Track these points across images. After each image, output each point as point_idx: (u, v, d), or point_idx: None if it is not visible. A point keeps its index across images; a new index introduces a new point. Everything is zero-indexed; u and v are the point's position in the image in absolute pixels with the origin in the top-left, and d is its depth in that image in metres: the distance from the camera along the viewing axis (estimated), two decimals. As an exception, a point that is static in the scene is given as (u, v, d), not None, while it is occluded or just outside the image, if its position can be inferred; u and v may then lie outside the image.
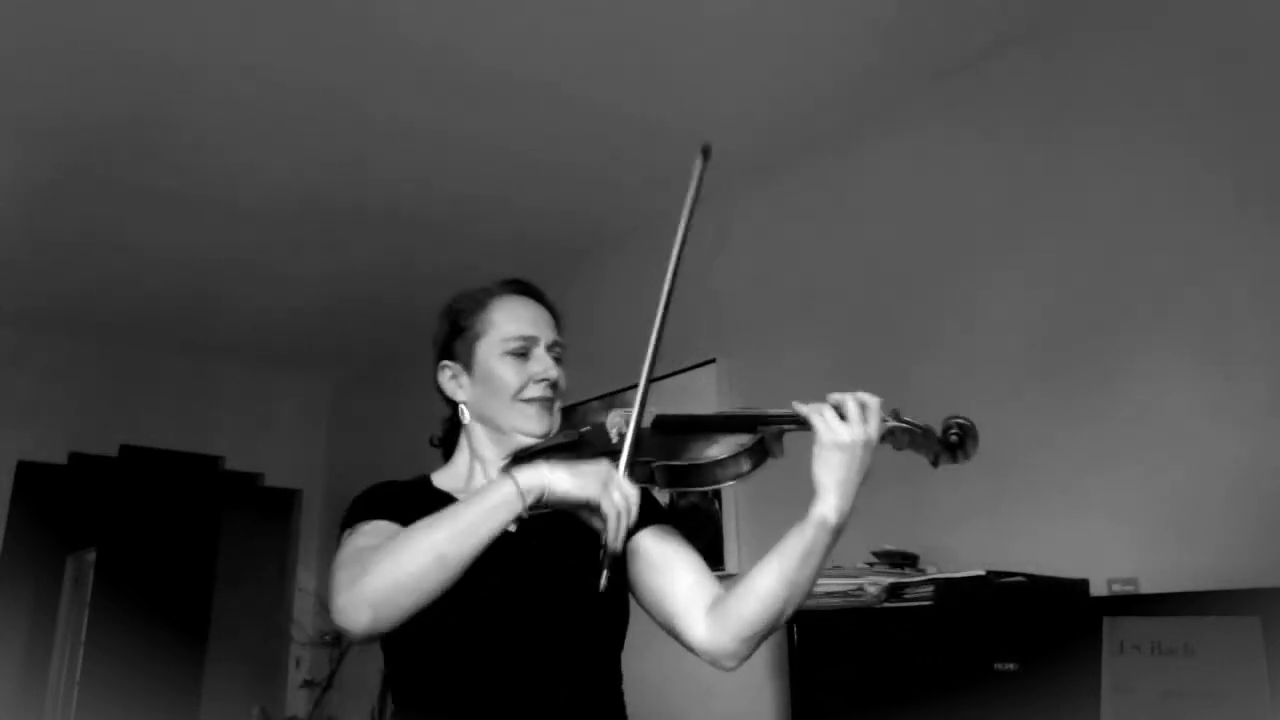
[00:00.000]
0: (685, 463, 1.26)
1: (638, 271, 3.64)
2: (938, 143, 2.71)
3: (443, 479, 1.44)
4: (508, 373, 1.37)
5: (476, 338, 1.40)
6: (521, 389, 1.37)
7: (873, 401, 1.22)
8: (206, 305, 4.50)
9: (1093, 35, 2.38)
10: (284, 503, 5.60)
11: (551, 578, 1.29)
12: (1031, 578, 1.96)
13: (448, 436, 1.49)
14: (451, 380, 1.43)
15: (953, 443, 1.24)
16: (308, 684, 5.14)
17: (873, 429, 1.21)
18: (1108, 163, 2.30)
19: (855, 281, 2.86)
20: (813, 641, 2.22)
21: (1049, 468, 2.23)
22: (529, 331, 1.40)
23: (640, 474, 1.26)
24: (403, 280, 4.22)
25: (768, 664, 2.72)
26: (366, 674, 4.79)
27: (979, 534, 2.32)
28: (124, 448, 4.96)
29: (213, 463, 5.30)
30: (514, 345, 1.38)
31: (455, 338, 1.43)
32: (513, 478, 1.17)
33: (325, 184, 3.39)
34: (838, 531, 1.22)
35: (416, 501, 1.35)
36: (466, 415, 1.42)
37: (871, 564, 2.24)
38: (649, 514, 1.40)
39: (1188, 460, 2.03)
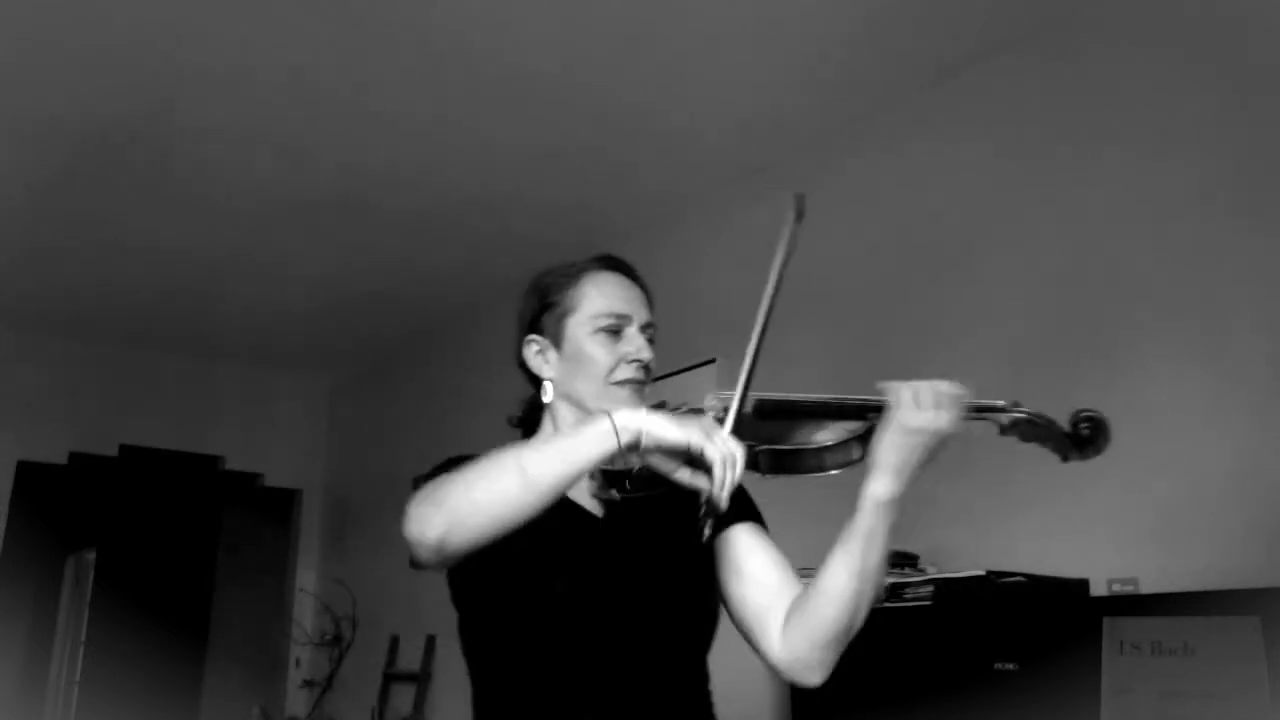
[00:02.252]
0: (792, 447, 1.20)
1: (643, 268, 3.64)
2: (937, 143, 2.71)
3: None
4: (599, 352, 1.30)
5: (566, 313, 1.33)
6: (612, 370, 1.30)
7: (952, 391, 1.17)
8: (206, 305, 4.50)
9: (1090, 36, 2.38)
10: (284, 503, 5.60)
11: (639, 572, 1.22)
12: (1031, 578, 1.96)
13: (528, 416, 1.43)
14: (537, 356, 1.35)
15: (1083, 437, 1.18)
16: (308, 684, 5.14)
17: (945, 420, 1.15)
18: (1105, 164, 2.30)
19: (855, 281, 2.86)
20: (813, 641, 2.22)
21: (1049, 468, 2.21)
22: (622, 309, 1.33)
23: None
24: (404, 279, 4.22)
25: (768, 664, 2.72)
26: (367, 674, 4.79)
27: (979, 534, 2.32)
28: (124, 448, 4.96)
29: (213, 463, 5.30)
30: (606, 323, 1.31)
31: (544, 312, 1.35)
32: (609, 415, 1.10)
33: (325, 182, 3.39)
34: (891, 508, 1.17)
35: None
36: (550, 393, 1.35)
37: (871, 564, 2.23)
38: (740, 510, 1.34)
39: (1187, 460, 2.03)
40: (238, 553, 6.40)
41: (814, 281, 2.99)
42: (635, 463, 1.17)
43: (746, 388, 1.19)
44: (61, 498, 6.28)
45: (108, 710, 5.90)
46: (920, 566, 2.25)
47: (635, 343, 1.32)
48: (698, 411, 1.26)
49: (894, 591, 2.09)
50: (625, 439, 1.08)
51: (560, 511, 1.22)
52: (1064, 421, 1.19)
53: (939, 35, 2.54)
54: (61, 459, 4.81)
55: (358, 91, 2.83)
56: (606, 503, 1.26)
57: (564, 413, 1.34)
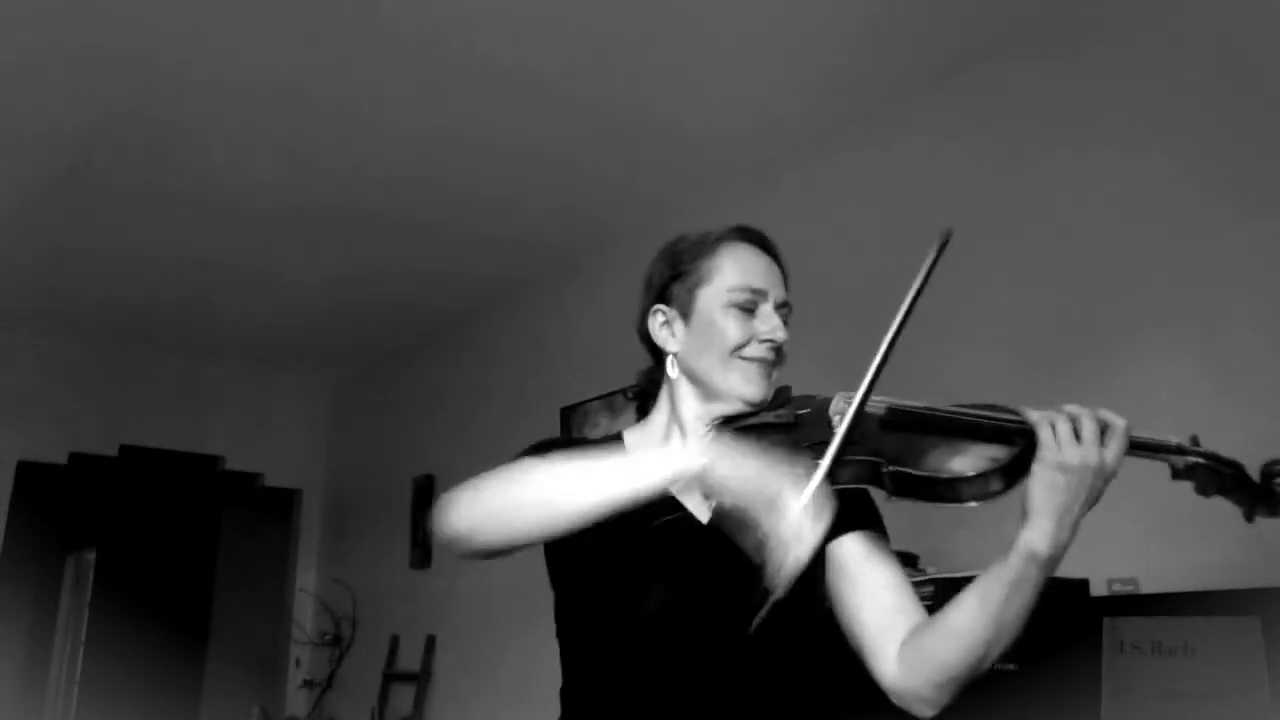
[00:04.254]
0: (924, 474, 1.06)
1: (640, 270, 3.64)
2: (936, 144, 2.71)
3: (635, 437, 1.30)
4: (730, 326, 1.22)
5: (699, 283, 1.25)
6: (743, 345, 1.22)
7: (1118, 423, 1.05)
8: (206, 305, 4.50)
9: (1089, 38, 2.38)
10: (284, 503, 5.60)
11: (741, 582, 1.09)
12: (1031, 578, 1.96)
13: (645, 391, 1.34)
14: (663, 328, 1.27)
15: (1277, 493, 1.03)
16: (308, 684, 5.14)
17: (1111, 456, 1.04)
18: (1104, 164, 2.30)
19: (853, 281, 2.86)
20: (813, 641, 2.22)
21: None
22: (759, 284, 1.25)
23: (865, 473, 1.08)
24: (403, 280, 4.22)
25: (768, 664, 2.72)
26: (366, 674, 4.79)
27: (979, 534, 2.31)
28: (124, 448, 4.96)
29: (212, 463, 5.30)
30: (741, 298, 1.23)
31: (674, 281, 1.27)
32: (669, 454, 1.04)
33: (325, 184, 3.39)
34: (1051, 564, 1.06)
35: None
36: (674, 369, 1.26)
37: (871, 564, 2.23)
38: (858, 516, 1.24)
39: (1188, 460, 2.03)
40: (238, 553, 6.40)
41: (812, 281, 2.99)
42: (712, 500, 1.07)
43: (861, 410, 1.07)
44: (61, 498, 6.29)
45: (108, 710, 5.90)
46: (920, 566, 2.25)
47: (770, 322, 1.24)
48: (822, 405, 1.17)
49: (894, 591, 2.08)
50: (679, 479, 1.01)
51: (663, 511, 1.14)
52: (1253, 471, 1.04)
53: (938, 35, 2.54)
54: (61, 459, 4.81)
55: (356, 94, 2.83)
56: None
57: (684, 392, 1.26)
